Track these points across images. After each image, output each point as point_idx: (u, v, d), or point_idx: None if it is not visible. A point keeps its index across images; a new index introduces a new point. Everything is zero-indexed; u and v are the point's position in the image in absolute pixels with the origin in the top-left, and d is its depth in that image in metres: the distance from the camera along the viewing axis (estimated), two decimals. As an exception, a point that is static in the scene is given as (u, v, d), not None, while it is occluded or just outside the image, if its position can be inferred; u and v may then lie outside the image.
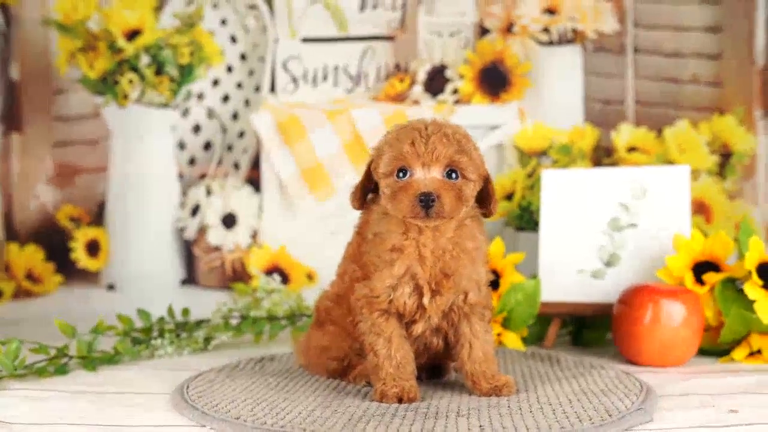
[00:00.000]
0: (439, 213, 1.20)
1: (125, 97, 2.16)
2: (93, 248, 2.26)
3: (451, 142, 1.22)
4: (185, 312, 1.79)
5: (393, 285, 1.27)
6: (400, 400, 1.25)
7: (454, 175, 1.22)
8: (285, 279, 2.15)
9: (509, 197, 2.10)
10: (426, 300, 1.27)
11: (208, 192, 2.23)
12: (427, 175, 1.21)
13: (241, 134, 2.27)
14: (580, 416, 1.15)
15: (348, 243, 1.39)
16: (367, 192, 1.31)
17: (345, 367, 1.41)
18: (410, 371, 1.28)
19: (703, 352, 1.62)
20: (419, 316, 1.28)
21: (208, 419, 1.17)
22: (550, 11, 2.13)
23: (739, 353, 1.57)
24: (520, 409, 1.20)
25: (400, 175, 1.22)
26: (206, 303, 1.93)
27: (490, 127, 2.15)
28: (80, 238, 2.25)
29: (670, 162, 2.06)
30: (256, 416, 1.17)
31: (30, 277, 2.27)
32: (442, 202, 1.19)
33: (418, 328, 1.30)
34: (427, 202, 1.19)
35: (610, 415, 1.16)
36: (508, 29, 2.15)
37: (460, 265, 1.27)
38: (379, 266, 1.28)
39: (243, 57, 2.28)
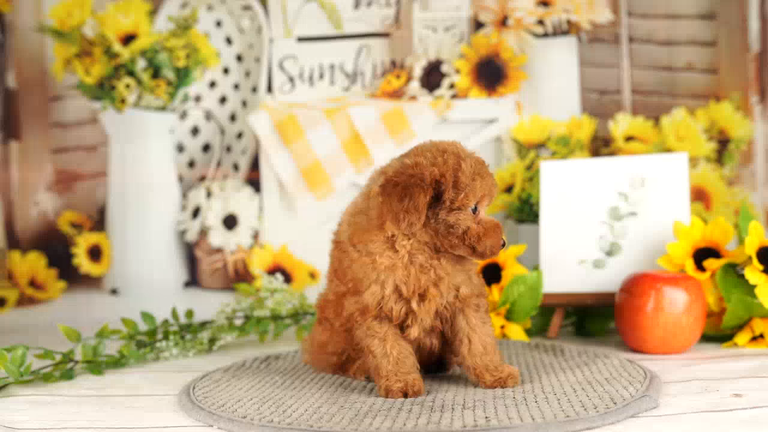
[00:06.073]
0: None
1: (122, 101, 2.16)
2: (95, 253, 2.26)
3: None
4: (189, 314, 1.80)
5: (381, 297, 1.27)
6: (405, 395, 1.25)
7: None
8: (288, 278, 2.16)
9: (509, 190, 2.11)
10: (414, 305, 1.27)
11: (209, 194, 2.23)
12: (485, 215, 1.27)
13: (240, 135, 2.28)
14: (585, 405, 1.16)
15: (329, 252, 1.39)
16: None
17: (344, 361, 1.41)
18: (410, 364, 1.29)
19: (705, 338, 1.62)
20: (412, 320, 1.29)
21: (215, 419, 1.18)
22: (545, 3, 2.14)
23: (742, 338, 1.58)
24: (525, 399, 1.21)
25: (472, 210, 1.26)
26: (210, 304, 1.94)
27: (487, 121, 2.15)
28: (82, 243, 2.26)
29: (668, 150, 2.06)
30: (263, 415, 1.18)
31: (33, 284, 2.28)
32: None
33: (413, 332, 1.30)
34: (504, 246, 1.27)
35: (615, 403, 1.16)
36: (503, 22, 2.15)
37: (447, 270, 1.28)
38: (364, 282, 1.28)
39: (239, 58, 2.29)
